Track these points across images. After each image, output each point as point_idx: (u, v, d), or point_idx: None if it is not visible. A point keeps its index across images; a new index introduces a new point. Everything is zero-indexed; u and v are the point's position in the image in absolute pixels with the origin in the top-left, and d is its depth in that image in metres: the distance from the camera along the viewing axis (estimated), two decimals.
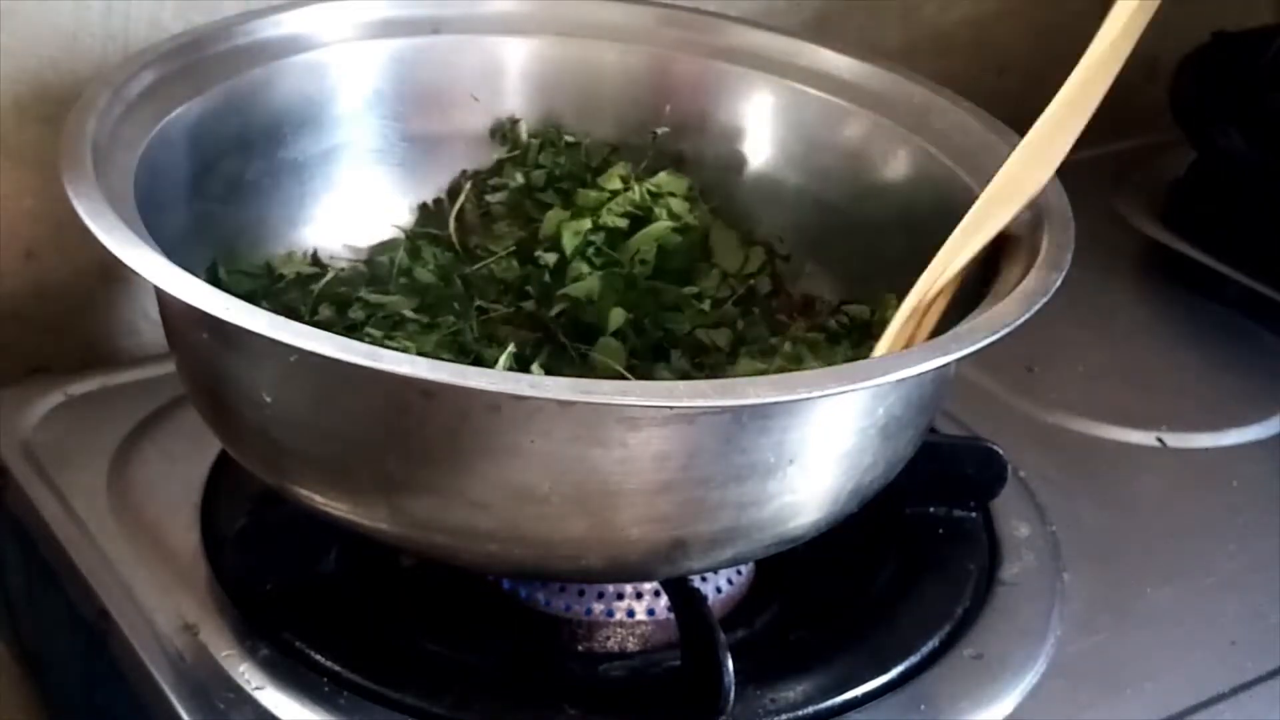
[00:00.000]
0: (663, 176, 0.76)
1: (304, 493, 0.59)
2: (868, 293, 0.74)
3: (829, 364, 0.67)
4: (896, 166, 0.74)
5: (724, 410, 0.54)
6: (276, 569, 0.64)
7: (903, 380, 0.57)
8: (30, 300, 0.83)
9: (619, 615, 0.65)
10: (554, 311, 0.71)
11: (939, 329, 0.64)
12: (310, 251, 0.74)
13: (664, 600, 0.64)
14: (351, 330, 0.68)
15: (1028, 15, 1.16)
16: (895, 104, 0.74)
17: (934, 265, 0.65)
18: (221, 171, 0.71)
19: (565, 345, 0.70)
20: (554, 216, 0.74)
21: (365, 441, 0.56)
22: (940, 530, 0.72)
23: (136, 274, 0.55)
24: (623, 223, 0.73)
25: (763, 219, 0.79)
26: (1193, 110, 1.02)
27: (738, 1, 0.97)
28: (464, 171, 0.79)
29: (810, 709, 0.62)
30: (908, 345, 0.64)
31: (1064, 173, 0.67)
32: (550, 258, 0.72)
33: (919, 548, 0.71)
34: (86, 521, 0.69)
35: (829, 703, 0.62)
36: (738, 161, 0.79)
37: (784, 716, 0.61)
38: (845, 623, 0.67)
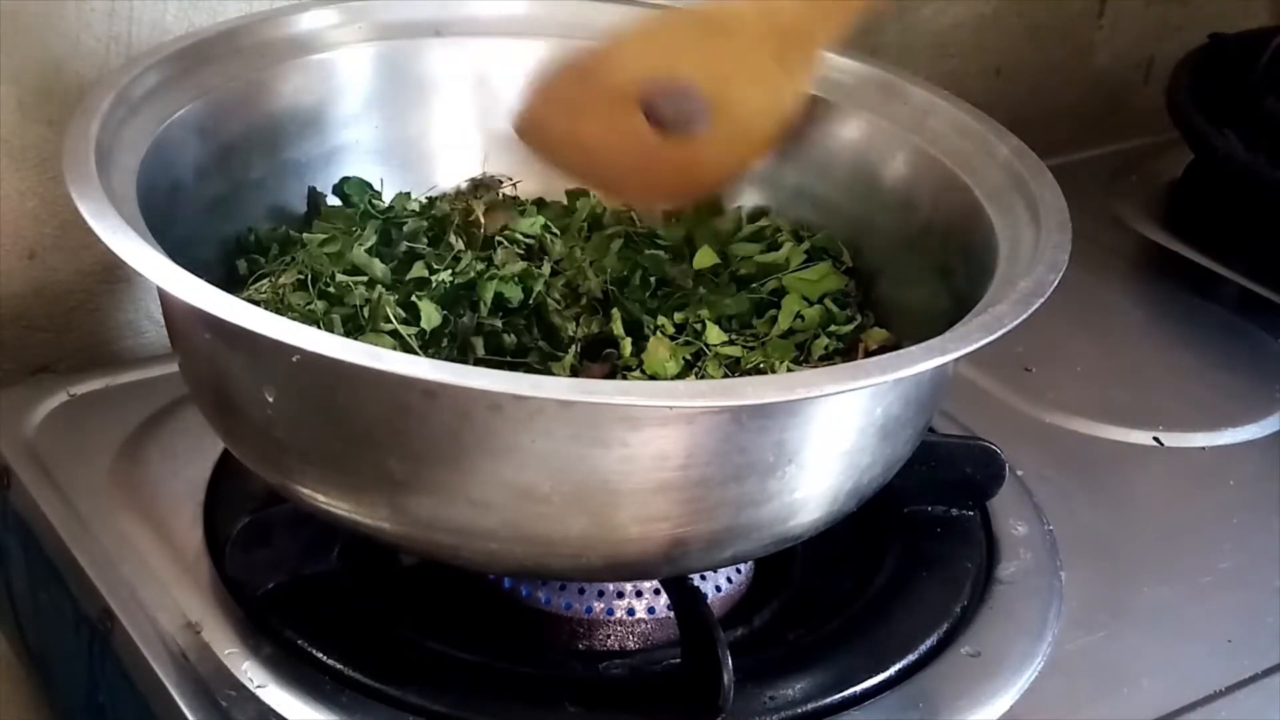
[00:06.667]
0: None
1: (306, 492, 0.60)
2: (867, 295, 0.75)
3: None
4: (895, 167, 0.74)
5: (724, 410, 0.55)
6: (279, 568, 0.64)
7: (901, 380, 0.58)
8: (33, 300, 0.83)
9: (619, 614, 0.65)
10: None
11: None
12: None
13: (664, 599, 0.65)
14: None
15: (1025, 17, 1.16)
16: (893, 105, 0.74)
17: None
18: (224, 173, 0.71)
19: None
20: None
21: (367, 440, 0.56)
22: (938, 529, 0.72)
23: (139, 274, 0.55)
24: None
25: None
26: (1190, 112, 1.02)
27: None
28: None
29: (809, 706, 0.62)
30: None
31: (1061, 173, 0.67)
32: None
33: (917, 546, 0.71)
34: (89, 521, 0.70)
35: (827, 700, 0.62)
36: None
37: (783, 714, 0.61)
38: (844, 621, 0.67)
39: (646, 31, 0.74)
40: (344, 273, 0.69)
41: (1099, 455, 0.80)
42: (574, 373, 0.66)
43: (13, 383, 0.82)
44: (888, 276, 0.74)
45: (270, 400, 0.57)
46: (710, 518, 0.57)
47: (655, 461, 0.55)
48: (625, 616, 0.65)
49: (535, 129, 0.74)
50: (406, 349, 0.65)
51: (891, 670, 0.64)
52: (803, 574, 0.70)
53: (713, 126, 0.72)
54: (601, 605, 0.65)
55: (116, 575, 0.67)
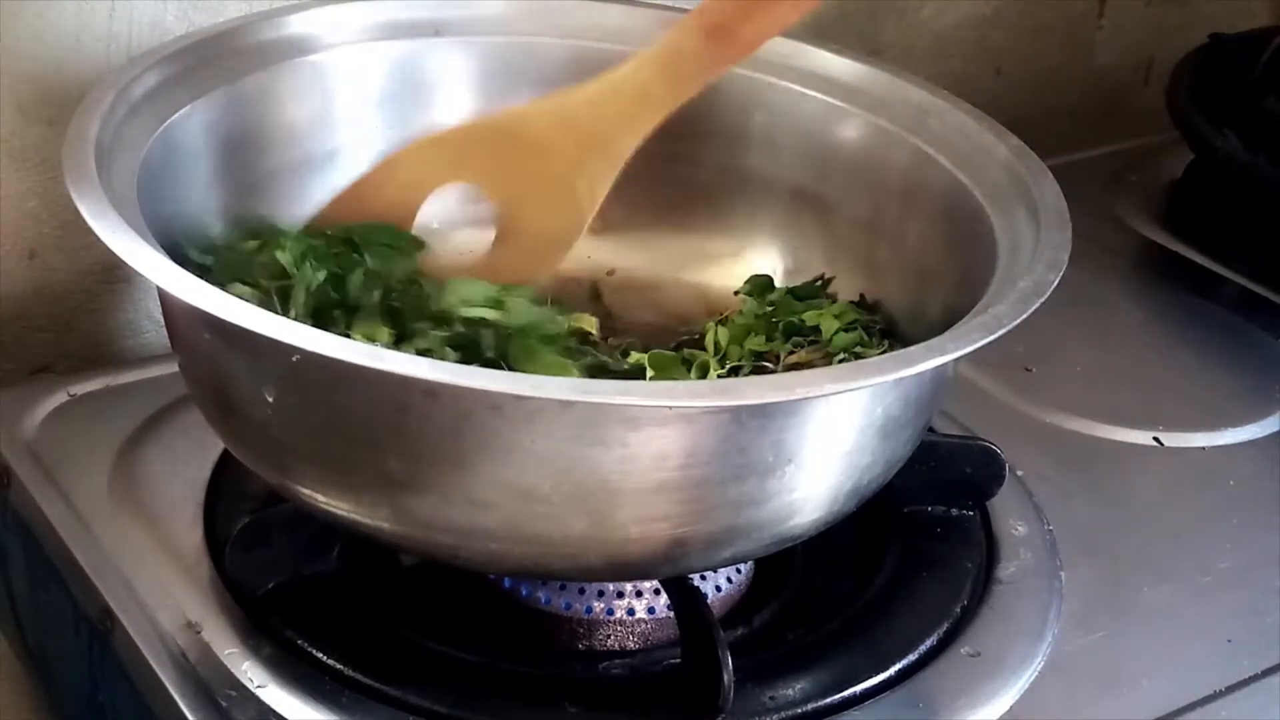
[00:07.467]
0: None
1: (306, 492, 0.60)
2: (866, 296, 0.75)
3: None
4: (895, 168, 0.74)
5: (723, 410, 0.55)
6: (279, 568, 0.64)
7: (901, 380, 0.58)
8: (33, 300, 0.83)
9: (619, 614, 0.65)
10: None
11: None
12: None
13: (664, 599, 0.65)
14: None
15: (1025, 17, 1.16)
16: (893, 106, 0.74)
17: None
18: (224, 173, 0.71)
19: None
20: None
21: (367, 441, 0.56)
22: (938, 529, 0.72)
23: (139, 274, 0.55)
24: None
25: (760, 221, 0.79)
26: (1190, 112, 1.02)
27: None
28: None
29: (809, 706, 0.62)
30: None
31: (1062, 173, 0.67)
32: None
33: (917, 546, 0.71)
34: (89, 521, 0.70)
35: (827, 700, 0.62)
36: (736, 164, 0.79)
37: (783, 714, 0.61)
38: (844, 621, 0.67)
39: (437, 142, 0.74)
40: None
41: (1099, 455, 0.80)
42: None
43: (13, 383, 0.82)
44: (885, 278, 0.74)
45: (270, 400, 0.57)
46: (710, 518, 0.57)
47: (655, 461, 0.55)
48: (625, 616, 0.65)
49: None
50: None
51: (891, 670, 0.64)
52: (803, 574, 0.70)
53: (498, 248, 0.73)
54: (601, 605, 0.65)
55: (116, 575, 0.67)
